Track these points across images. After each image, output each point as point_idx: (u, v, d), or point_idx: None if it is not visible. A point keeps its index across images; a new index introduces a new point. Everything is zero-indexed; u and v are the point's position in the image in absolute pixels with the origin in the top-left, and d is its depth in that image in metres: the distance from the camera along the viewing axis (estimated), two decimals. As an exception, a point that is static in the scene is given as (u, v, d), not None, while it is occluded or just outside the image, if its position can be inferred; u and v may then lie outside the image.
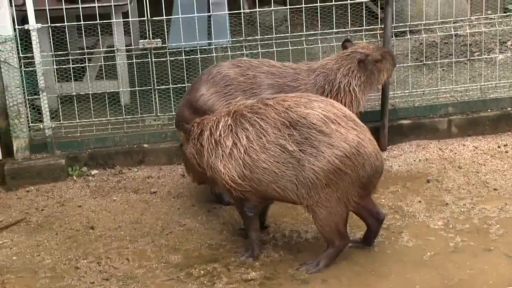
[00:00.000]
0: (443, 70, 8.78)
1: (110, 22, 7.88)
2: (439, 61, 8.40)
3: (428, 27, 8.61)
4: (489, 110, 8.10)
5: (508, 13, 9.61)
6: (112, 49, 8.00)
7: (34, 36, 7.36)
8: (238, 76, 6.76)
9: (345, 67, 6.88)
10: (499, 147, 7.73)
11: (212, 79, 6.78)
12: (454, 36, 8.50)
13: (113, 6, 7.83)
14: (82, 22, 7.55)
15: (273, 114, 5.86)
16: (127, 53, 8.01)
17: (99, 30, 7.66)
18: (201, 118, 6.25)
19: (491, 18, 8.93)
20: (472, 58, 8.71)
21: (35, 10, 7.37)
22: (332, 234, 5.94)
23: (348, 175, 5.75)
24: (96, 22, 7.62)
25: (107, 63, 8.10)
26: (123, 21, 8.12)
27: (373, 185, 5.95)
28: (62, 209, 7.03)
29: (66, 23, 7.57)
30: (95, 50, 8.51)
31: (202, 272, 6.04)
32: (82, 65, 7.96)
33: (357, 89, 6.87)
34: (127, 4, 8.20)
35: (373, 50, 6.97)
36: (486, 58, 8.80)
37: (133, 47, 7.93)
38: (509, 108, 8.11)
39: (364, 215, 6.14)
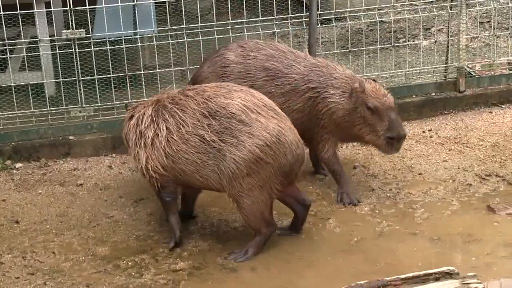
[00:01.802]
0: (368, 57, 8.85)
1: (32, 12, 7.74)
2: (364, 48, 8.45)
3: (353, 14, 8.66)
4: (413, 96, 8.20)
5: (431, 0, 9.73)
6: (35, 39, 7.86)
7: (-48, 27, 7.19)
8: (238, 58, 6.79)
9: (342, 82, 6.66)
10: (423, 132, 7.83)
11: (214, 59, 6.87)
12: (379, 23, 8.57)
13: (35, -4, 7.69)
14: (2, 12, 7.41)
15: (193, 105, 5.87)
16: (50, 44, 7.87)
17: (20, 20, 7.51)
18: (137, 104, 6.29)
19: (415, 5, 9.03)
20: (397, 44, 8.81)
21: (-49, 0, 7.20)
22: (258, 223, 5.96)
23: (269, 164, 5.77)
24: (17, 12, 7.47)
25: (30, 54, 7.95)
26: (46, 11, 7.97)
27: (295, 173, 5.97)
28: (-14, 204, 6.91)
29: (-15, 14, 7.42)
30: (17, 41, 8.35)
31: (130, 263, 5.99)
32: (4, 56, 7.80)
33: (334, 108, 6.63)
34: (49, -7, 8.06)
35: (375, 96, 6.46)
36: (410, 44, 8.90)
37: (56, 37, 7.79)
38: (433, 94, 8.23)
39: (290, 202, 6.16)
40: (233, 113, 5.78)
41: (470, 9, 8.40)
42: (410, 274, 4.75)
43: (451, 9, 8.35)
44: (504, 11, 9.43)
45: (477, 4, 8.45)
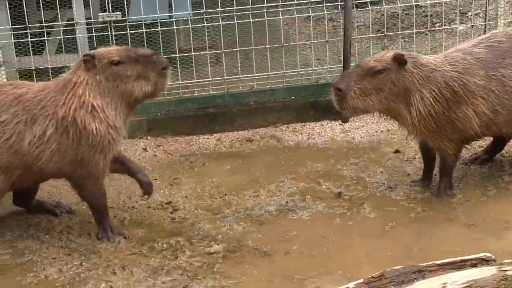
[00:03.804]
0: (404, 41, 8.81)
1: (69, -5, 7.79)
2: (400, 32, 8.40)
3: (389, -2, 8.63)
4: (450, 81, 8.11)
5: (468, -16, 9.66)
6: (72, 22, 7.90)
7: (-10, 10, 7.25)
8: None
9: None
10: (460, 117, 7.75)
11: None
12: (415, 7, 8.51)
13: (72, -22, 7.73)
14: (40, -5, 7.46)
15: None
16: (87, 26, 7.91)
17: (57, 3, 7.56)
18: None
19: (452, -11, 8.97)
20: (433, 29, 8.74)
21: (-9, -17, 7.26)
22: None
23: None
24: (54, -5, 7.52)
25: (67, 36, 8.00)
26: (83, -6, 8.01)
27: None
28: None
29: (24, -4, 7.47)
30: (54, 23, 8.40)
31: (165, 245, 6.02)
32: (42, 38, 7.85)
33: None
34: (86, -24, 8.10)
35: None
36: (447, 29, 8.83)
37: (92, 20, 7.82)
38: (469, 78, 8.14)
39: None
40: None
41: (508, -7, 8.34)
42: (446, 260, 4.71)
43: (488, -7, 8.27)
44: (543, -5, 9.33)
45: (515, -12, 8.39)
